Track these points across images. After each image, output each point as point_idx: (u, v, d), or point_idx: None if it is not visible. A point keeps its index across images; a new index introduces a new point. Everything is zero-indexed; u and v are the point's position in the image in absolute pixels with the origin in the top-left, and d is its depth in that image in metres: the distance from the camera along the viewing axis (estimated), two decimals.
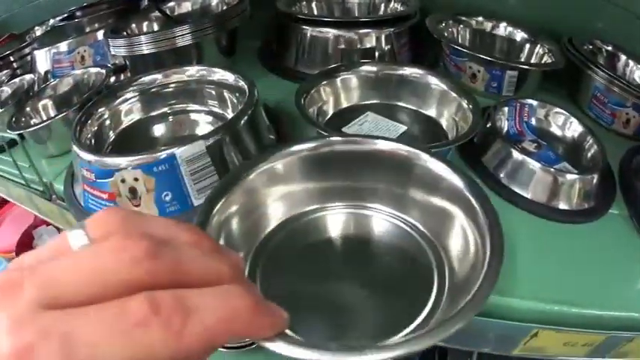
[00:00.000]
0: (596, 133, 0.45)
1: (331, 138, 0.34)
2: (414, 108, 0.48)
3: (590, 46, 0.56)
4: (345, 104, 0.48)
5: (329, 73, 0.47)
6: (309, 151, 0.33)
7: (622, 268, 0.36)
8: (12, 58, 0.67)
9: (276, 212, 0.33)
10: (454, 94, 0.45)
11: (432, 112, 0.47)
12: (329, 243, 0.32)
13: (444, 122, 0.46)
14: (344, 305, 0.29)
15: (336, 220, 0.33)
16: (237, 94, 0.43)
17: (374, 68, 0.48)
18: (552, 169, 0.40)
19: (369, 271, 0.31)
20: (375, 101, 0.48)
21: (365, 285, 0.30)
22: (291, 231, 0.33)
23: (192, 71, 0.46)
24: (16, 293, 0.15)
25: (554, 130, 0.47)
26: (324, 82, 0.46)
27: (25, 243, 0.88)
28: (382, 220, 0.33)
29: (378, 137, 0.33)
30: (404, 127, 0.45)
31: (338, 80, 0.47)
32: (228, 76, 0.44)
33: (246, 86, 0.41)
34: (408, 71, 0.47)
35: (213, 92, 0.46)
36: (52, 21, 0.70)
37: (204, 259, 0.17)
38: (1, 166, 0.52)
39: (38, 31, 0.73)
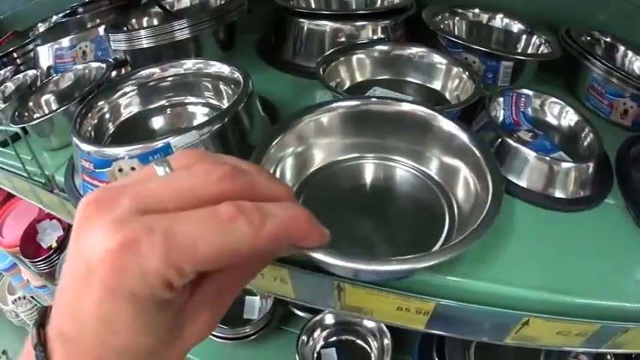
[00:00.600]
0: (592, 122, 0.45)
1: (365, 99, 0.39)
2: (420, 82, 0.53)
3: (588, 38, 0.56)
4: (358, 79, 0.53)
5: (344, 51, 0.52)
6: (347, 108, 0.39)
7: (616, 258, 0.36)
8: (15, 55, 0.68)
9: (318, 157, 0.39)
10: (456, 69, 0.50)
11: (436, 85, 0.52)
12: (360, 185, 0.38)
13: (447, 94, 0.51)
14: (371, 234, 0.34)
15: (366, 169, 0.40)
16: (233, 86, 0.44)
17: (385, 48, 0.53)
18: (547, 158, 0.40)
19: (392, 209, 0.37)
20: (385, 77, 0.53)
21: (388, 220, 0.36)
22: (329, 173, 0.39)
23: (189, 64, 0.47)
24: (113, 204, 0.17)
25: (550, 119, 0.47)
26: (341, 58, 0.51)
27: (29, 237, 0.89)
28: (403, 171, 0.39)
29: (402, 100, 0.39)
30: (410, 99, 0.48)
31: (353, 58, 0.52)
32: (224, 69, 0.45)
33: (241, 77, 0.42)
34: (415, 50, 0.52)
35: (210, 84, 0.46)
36: (54, 17, 0.71)
37: (268, 182, 0.21)
38: (6, 160, 0.53)
39: (41, 28, 0.74)
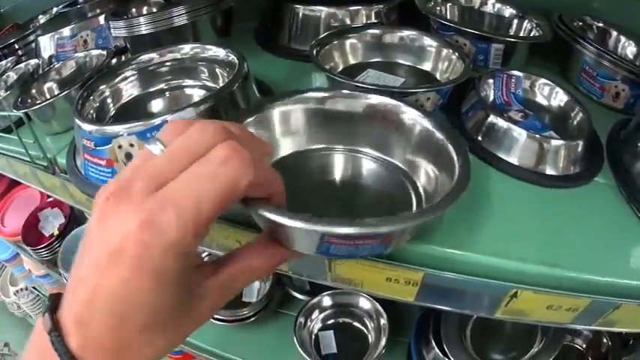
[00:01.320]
0: (581, 101, 0.46)
1: (333, 91, 0.40)
2: (411, 64, 0.54)
3: (580, 23, 0.57)
4: (351, 62, 0.54)
5: (337, 34, 0.53)
6: (316, 101, 0.39)
7: (607, 234, 0.36)
8: (17, 46, 0.69)
9: (286, 145, 0.40)
10: (446, 51, 0.51)
11: (427, 67, 0.53)
12: (328, 174, 0.39)
13: (438, 75, 0.52)
14: (340, 215, 0.34)
15: (334, 159, 0.40)
16: (228, 69, 0.45)
17: (377, 31, 0.54)
18: (538, 136, 0.40)
19: (360, 194, 0.38)
20: (378, 59, 0.54)
21: (357, 203, 0.37)
22: (297, 161, 0.39)
23: (187, 49, 0.48)
24: (128, 191, 0.20)
25: (541, 100, 0.48)
26: (335, 41, 0.52)
27: (31, 225, 0.90)
28: (370, 161, 0.40)
29: (370, 91, 0.40)
30: (402, 79, 0.50)
31: (346, 41, 0.53)
32: (220, 52, 0.46)
33: (236, 59, 0.43)
34: (406, 33, 0.53)
35: (206, 68, 0.47)
36: (55, 9, 0.72)
37: (254, 140, 0.25)
38: (8, 146, 0.54)
39: (42, 19, 0.75)
